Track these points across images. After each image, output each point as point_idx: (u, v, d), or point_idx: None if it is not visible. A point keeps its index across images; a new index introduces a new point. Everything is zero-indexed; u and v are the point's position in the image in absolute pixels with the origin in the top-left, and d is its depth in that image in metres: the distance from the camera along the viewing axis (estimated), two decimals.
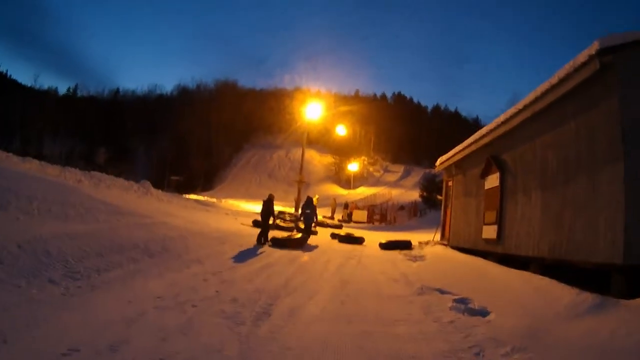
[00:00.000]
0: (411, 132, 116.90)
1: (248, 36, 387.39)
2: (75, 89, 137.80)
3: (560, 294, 8.25)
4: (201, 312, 7.29)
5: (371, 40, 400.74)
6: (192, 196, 53.71)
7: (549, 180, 11.02)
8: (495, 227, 13.90)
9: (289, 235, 20.05)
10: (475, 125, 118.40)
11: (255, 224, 23.88)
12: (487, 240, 14.56)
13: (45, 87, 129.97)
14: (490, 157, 14.63)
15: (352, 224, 42.46)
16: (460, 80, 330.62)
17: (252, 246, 16.27)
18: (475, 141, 15.88)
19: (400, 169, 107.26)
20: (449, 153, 20.08)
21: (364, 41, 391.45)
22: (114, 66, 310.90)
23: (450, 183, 20.63)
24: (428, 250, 18.09)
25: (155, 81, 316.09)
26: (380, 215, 49.60)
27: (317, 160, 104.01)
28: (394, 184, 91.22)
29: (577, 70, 9.18)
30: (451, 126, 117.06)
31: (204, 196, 60.81)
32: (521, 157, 12.79)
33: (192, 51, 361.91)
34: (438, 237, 22.25)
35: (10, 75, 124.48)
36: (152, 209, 19.29)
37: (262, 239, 18.14)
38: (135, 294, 8.04)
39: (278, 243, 17.86)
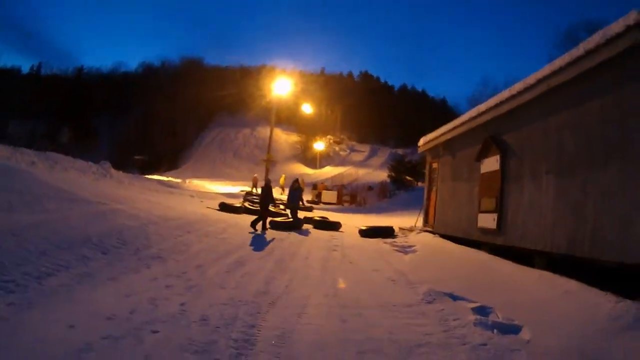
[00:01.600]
0: (378, 111, 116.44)
1: (214, 13, 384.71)
2: (39, 68, 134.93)
3: (596, 301, 6.92)
4: (163, 342, 5.48)
5: (338, 18, 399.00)
6: (155, 177, 51.81)
7: (566, 165, 9.56)
8: (494, 215, 12.46)
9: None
10: (443, 106, 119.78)
11: (222, 207, 22.55)
12: (484, 230, 13.11)
13: (9, 66, 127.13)
14: (490, 137, 13.10)
15: (321, 205, 41.02)
16: (428, 62, 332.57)
17: (218, 234, 14.59)
18: (470, 119, 14.32)
19: (366, 148, 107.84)
20: (435, 132, 18.52)
21: (331, 19, 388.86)
22: (78, 44, 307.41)
23: (435, 165, 19.10)
24: (415, 239, 16.43)
25: (120, 59, 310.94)
26: (350, 196, 48.26)
27: (283, 139, 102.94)
28: (361, 164, 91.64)
29: (609, 42, 7.72)
30: (418, 106, 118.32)
31: (167, 176, 58.97)
32: (529, 138, 11.30)
33: (158, 28, 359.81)
34: (420, 222, 20.72)
35: None
36: (110, 194, 17.49)
37: (255, 225, 17.34)
38: (81, 312, 6.30)
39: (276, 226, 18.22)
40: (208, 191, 39.49)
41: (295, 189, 21.23)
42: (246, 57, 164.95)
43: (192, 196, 29.20)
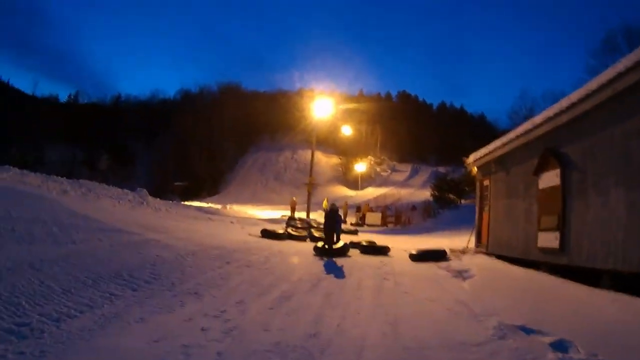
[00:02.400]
0: (417, 130, 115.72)
1: (250, 38, 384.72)
2: (76, 96, 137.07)
3: None
4: None
5: (374, 38, 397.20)
6: (195, 203, 51.41)
7: (637, 176, 8.68)
8: (556, 234, 11.54)
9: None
10: (481, 122, 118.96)
11: (264, 234, 21.70)
12: (545, 250, 12.19)
13: (46, 94, 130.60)
14: (548, 150, 12.18)
15: (365, 228, 40.08)
16: (465, 77, 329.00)
17: (260, 264, 13.62)
18: (526, 132, 13.36)
19: (407, 168, 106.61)
20: (486, 148, 17.53)
21: (367, 40, 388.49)
22: (115, 72, 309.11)
23: (486, 182, 18.13)
24: (469, 262, 15.29)
25: (157, 86, 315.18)
26: (394, 217, 47.08)
27: (324, 162, 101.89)
28: (402, 184, 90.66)
29: None
30: (457, 123, 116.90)
31: (208, 202, 58.83)
32: (592, 149, 10.39)
33: (195, 55, 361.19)
34: (472, 243, 19.71)
35: (11, 84, 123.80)
36: (145, 223, 16.94)
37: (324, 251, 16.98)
38: None
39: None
40: (249, 217, 38.79)
41: (334, 212, 19.61)
42: (284, 81, 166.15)
43: (232, 222, 28.44)
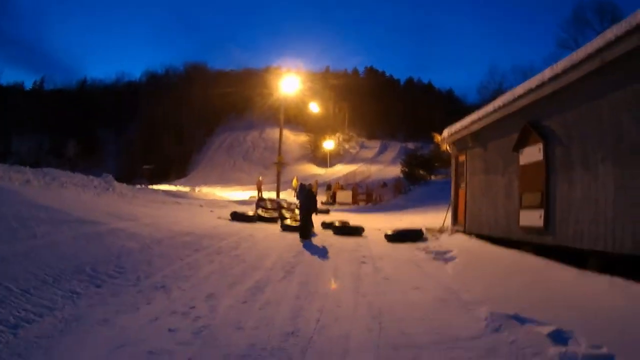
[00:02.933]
0: (385, 106, 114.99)
1: (216, 17, 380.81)
2: (41, 83, 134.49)
3: None
4: None
5: (340, 14, 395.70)
6: (162, 187, 50.44)
7: (627, 151, 8.18)
8: (540, 212, 11.06)
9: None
10: (450, 97, 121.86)
11: (234, 216, 21.12)
12: (528, 229, 11.73)
13: (11, 82, 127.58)
14: (529, 124, 11.64)
15: (336, 206, 39.64)
16: (433, 53, 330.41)
17: (231, 250, 13.08)
18: (505, 105, 12.73)
19: (376, 144, 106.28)
20: (460, 122, 16.88)
21: (333, 15, 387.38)
22: (80, 56, 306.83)
23: (462, 158, 17.52)
24: (449, 242, 14.91)
25: (123, 69, 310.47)
26: (365, 194, 46.64)
27: (292, 140, 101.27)
28: (372, 160, 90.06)
29: None
30: (425, 99, 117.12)
31: (176, 185, 58.08)
32: (577, 123, 9.90)
33: (160, 36, 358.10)
34: (448, 221, 19.06)
35: None
36: (111, 210, 16.20)
37: (305, 234, 16.59)
38: None
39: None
40: (218, 199, 38.25)
41: (304, 194, 19.12)
42: (250, 59, 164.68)
43: (201, 206, 27.69)
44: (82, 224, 12.48)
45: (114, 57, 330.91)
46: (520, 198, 12.13)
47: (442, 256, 12.59)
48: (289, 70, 45.29)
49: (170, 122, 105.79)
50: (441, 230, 17.93)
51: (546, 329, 6.07)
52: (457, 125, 17.01)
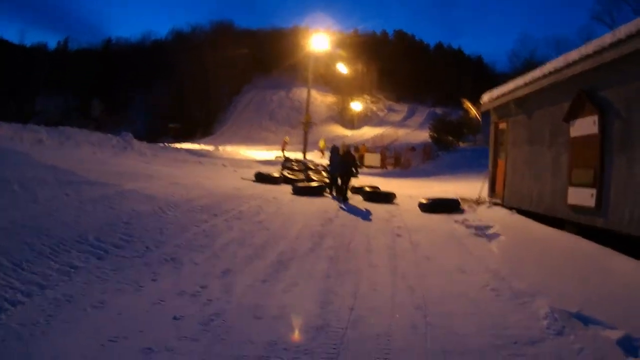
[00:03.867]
0: (414, 70, 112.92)
1: None
2: (65, 43, 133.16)
3: None
4: None
5: None
6: (185, 145, 49.49)
7: None
8: (592, 191, 9.98)
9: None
10: (479, 64, 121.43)
11: (259, 177, 20.36)
12: (576, 208, 10.64)
13: (35, 43, 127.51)
14: (583, 93, 10.51)
15: (364, 170, 38.46)
16: (463, 19, 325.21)
17: (253, 215, 12.18)
18: (556, 71, 11.55)
19: (404, 108, 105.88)
20: (503, 86, 15.63)
21: None
22: (104, 14, 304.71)
23: (503, 126, 16.36)
24: (487, 216, 13.91)
25: (149, 27, 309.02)
26: (394, 158, 45.49)
27: (319, 100, 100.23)
28: (399, 124, 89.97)
29: None
30: (455, 65, 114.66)
31: (202, 144, 57.03)
32: None
33: None
34: (484, 192, 17.99)
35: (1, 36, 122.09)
36: (126, 170, 15.53)
37: (344, 197, 16.99)
38: None
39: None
40: (243, 158, 37.03)
41: (333, 153, 18.94)
42: (277, 18, 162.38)
43: (224, 165, 26.76)
44: (91, 185, 11.75)
45: (140, 16, 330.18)
46: (569, 173, 11.04)
47: (483, 232, 11.52)
48: (317, 30, 43.89)
49: (197, 80, 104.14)
50: (478, 202, 16.84)
51: (615, 334, 5.12)
52: (500, 90, 15.75)
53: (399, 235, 11.20)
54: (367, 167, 41.07)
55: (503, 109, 16.05)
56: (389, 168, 42.43)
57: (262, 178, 20.33)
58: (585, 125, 10.44)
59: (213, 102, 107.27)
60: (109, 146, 21.70)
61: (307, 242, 9.83)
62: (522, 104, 14.27)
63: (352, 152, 20.96)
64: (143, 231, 9.17)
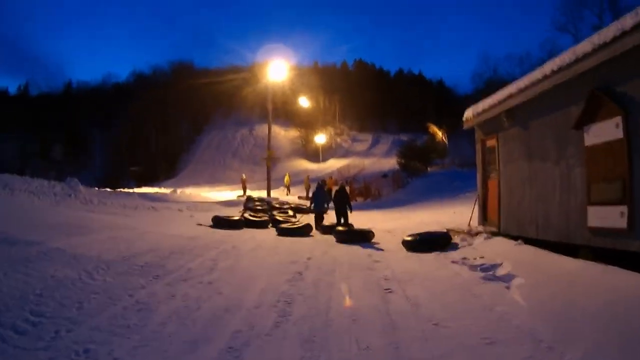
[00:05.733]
0: (376, 98, 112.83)
1: (200, 14, 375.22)
2: (26, 87, 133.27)
3: None
4: None
5: (326, 6, 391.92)
6: (146, 189, 47.33)
7: None
8: (621, 208, 8.01)
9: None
10: (440, 88, 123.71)
11: (216, 222, 18.26)
12: (601, 231, 8.67)
13: None
14: (599, 91, 8.56)
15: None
16: (422, 43, 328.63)
17: (204, 274, 9.68)
18: (559, 70, 9.62)
19: (368, 137, 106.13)
20: (491, 98, 13.46)
21: (319, 8, 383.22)
22: (65, 59, 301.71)
23: (491, 142, 14.30)
24: (488, 249, 11.48)
25: (109, 70, 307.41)
26: (364, 189, 43.79)
27: (282, 135, 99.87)
28: (365, 153, 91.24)
29: None
30: (416, 90, 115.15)
31: (164, 187, 55.27)
32: None
33: (146, 35, 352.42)
34: (475, 220, 15.74)
35: None
36: (61, 222, 13.09)
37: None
38: None
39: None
40: (203, 200, 33.62)
41: (320, 189, 20.59)
42: (236, 57, 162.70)
43: (180, 210, 24.34)
44: (11, 245, 9.48)
45: (100, 59, 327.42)
46: (587, 190, 9.04)
47: (493, 274, 8.98)
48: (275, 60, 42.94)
49: (158, 122, 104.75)
50: (470, 233, 14.36)
51: None
52: (486, 103, 13.65)
53: (389, 291, 8.55)
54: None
55: (491, 124, 13.95)
56: (359, 200, 40.33)
57: (220, 223, 18.26)
58: (606, 130, 8.49)
59: (175, 143, 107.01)
60: (51, 194, 19.37)
61: (271, 312, 7.28)
62: (515, 114, 12.21)
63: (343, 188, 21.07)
64: (58, 307, 6.89)
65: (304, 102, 72.72)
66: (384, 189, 43.82)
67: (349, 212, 18.63)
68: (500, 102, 12.64)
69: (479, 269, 9.56)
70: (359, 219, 19.99)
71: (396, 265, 11.01)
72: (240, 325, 6.60)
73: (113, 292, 7.85)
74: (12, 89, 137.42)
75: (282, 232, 17.40)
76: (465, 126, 15.75)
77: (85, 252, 10.02)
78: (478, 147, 15.31)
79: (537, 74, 10.52)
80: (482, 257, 10.64)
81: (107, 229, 13.56)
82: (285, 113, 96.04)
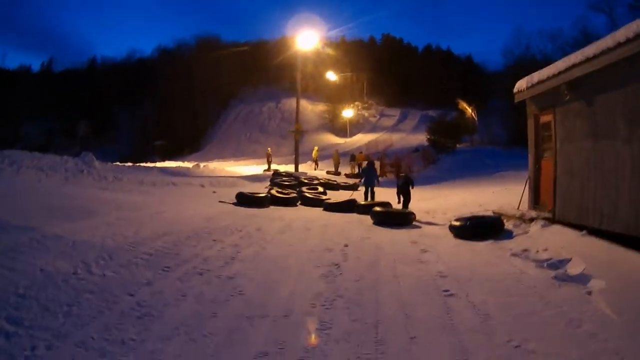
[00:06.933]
0: (403, 74, 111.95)
1: None
2: (49, 64, 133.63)
3: None
4: None
5: None
6: (172, 163, 45.94)
7: None
8: None
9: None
10: (469, 64, 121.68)
11: (239, 199, 17.15)
12: None
13: (18, 66, 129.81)
14: None
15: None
16: (451, 18, 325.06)
17: (223, 265, 8.37)
18: (636, 37, 8.23)
19: (396, 112, 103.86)
20: (550, 68, 11.93)
21: None
22: (88, 34, 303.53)
23: (547, 118, 12.80)
24: (548, 240, 10.03)
25: (134, 45, 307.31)
26: (395, 165, 41.15)
27: (310, 109, 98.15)
28: (392, 129, 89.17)
29: None
30: (444, 66, 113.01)
31: (189, 161, 53.99)
32: None
33: (170, 10, 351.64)
34: (524, 203, 14.03)
35: None
36: (64, 204, 11.86)
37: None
38: None
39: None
40: (227, 175, 31.88)
41: (371, 165, 21.23)
42: (262, 31, 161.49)
43: (202, 186, 22.95)
44: (2, 231, 8.40)
45: (124, 34, 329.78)
46: None
47: (564, 272, 7.54)
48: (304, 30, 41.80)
49: (184, 97, 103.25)
50: (523, 218, 12.57)
51: None
52: (544, 73, 12.11)
53: (448, 293, 7.01)
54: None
55: (547, 97, 12.45)
56: (389, 176, 38.72)
57: (244, 200, 17.12)
58: None
59: (200, 117, 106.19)
60: (62, 170, 18.18)
61: (305, 324, 5.92)
62: (579, 87, 10.67)
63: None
64: (41, 312, 5.70)
65: (332, 76, 71.71)
66: (415, 165, 42.07)
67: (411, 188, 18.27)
68: (560, 72, 11.09)
69: (545, 264, 8.13)
70: (393, 197, 18.67)
71: (448, 257, 9.53)
72: (266, 344, 5.23)
73: (111, 292, 6.65)
74: (35, 66, 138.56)
75: (329, 208, 17.48)
76: (517, 99, 14.19)
77: (87, 239, 8.98)
78: (530, 122, 13.81)
79: (607, 40, 9.10)
80: (545, 250, 9.15)
81: (119, 208, 12.56)
82: (313, 87, 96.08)
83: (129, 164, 36.00)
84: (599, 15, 62.73)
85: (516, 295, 6.92)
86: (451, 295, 6.94)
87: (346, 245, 10.59)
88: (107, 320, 5.68)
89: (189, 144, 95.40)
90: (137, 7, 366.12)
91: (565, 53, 16.87)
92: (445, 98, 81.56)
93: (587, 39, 38.00)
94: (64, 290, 6.44)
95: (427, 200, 19.45)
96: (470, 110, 66.14)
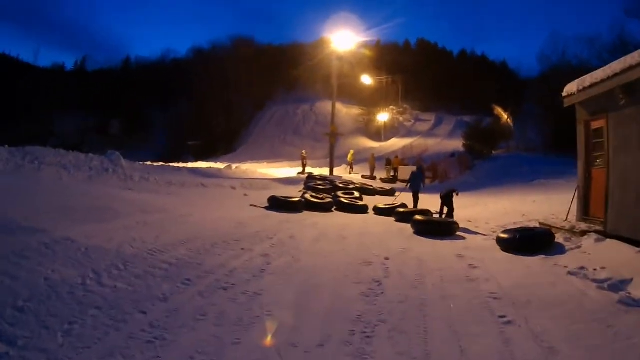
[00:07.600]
0: (438, 78, 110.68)
1: None
2: (83, 63, 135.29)
3: None
4: None
5: None
6: (205, 164, 45.86)
7: None
8: None
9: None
10: (503, 69, 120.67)
11: (272, 203, 16.67)
12: None
13: (51, 63, 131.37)
14: None
15: (397, 184, 34.13)
16: (486, 24, 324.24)
17: (248, 279, 7.64)
18: None
19: (431, 117, 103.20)
20: (602, 70, 11.24)
21: None
22: (122, 34, 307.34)
23: (599, 124, 12.09)
24: (604, 256, 9.10)
25: (168, 45, 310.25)
26: (432, 171, 40.54)
27: (344, 113, 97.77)
28: (427, 134, 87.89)
29: None
30: (479, 71, 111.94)
31: (222, 162, 53.74)
32: None
33: (205, 10, 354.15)
34: (572, 214, 13.38)
35: (18, 56, 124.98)
36: (84, 204, 11.45)
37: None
38: None
39: None
40: (260, 177, 31.65)
41: (419, 171, 21.34)
42: (297, 34, 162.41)
43: (233, 188, 22.29)
44: (7, 234, 7.88)
45: (159, 35, 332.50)
46: None
47: (629, 295, 6.72)
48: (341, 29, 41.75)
49: (218, 97, 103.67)
50: (574, 231, 11.84)
51: None
52: (596, 76, 11.44)
53: (505, 321, 6.17)
54: (401, 181, 36.40)
55: (599, 101, 11.70)
56: (427, 182, 37.91)
57: (277, 204, 16.62)
58: None
59: (235, 118, 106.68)
60: (86, 169, 17.72)
61: (343, 353, 5.17)
62: (636, 90, 10.06)
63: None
64: (38, 330, 5.14)
65: (367, 80, 71.55)
66: (452, 171, 41.50)
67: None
68: (615, 75, 10.36)
69: (606, 285, 7.33)
70: (430, 204, 17.96)
71: (500, 275, 8.61)
72: None
73: (121, 308, 6.03)
74: (69, 65, 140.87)
75: (379, 212, 17.71)
76: (566, 103, 13.43)
77: (101, 244, 8.45)
78: (580, 128, 13.04)
79: None
80: (603, 268, 8.35)
81: (142, 210, 12.10)
82: (347, 91, 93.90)
83: (160, 163, 35.69)
84: (632, 20, 61.11)
85: (580, 322, 6.10)
86: (508, 322, 6.15)
87: (387, 259, 9.83)
88: (112, 344, 5.07)
89: (223, 144, 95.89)
90: (172, 8, 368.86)
91: (602, 59, 16.18)
92: (481, 103, 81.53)
93: (625, 45, 36.91)
94: (68, 304, 5.88)
95: (467, 208, 18.65)
96: (505, 116, 65.31)
